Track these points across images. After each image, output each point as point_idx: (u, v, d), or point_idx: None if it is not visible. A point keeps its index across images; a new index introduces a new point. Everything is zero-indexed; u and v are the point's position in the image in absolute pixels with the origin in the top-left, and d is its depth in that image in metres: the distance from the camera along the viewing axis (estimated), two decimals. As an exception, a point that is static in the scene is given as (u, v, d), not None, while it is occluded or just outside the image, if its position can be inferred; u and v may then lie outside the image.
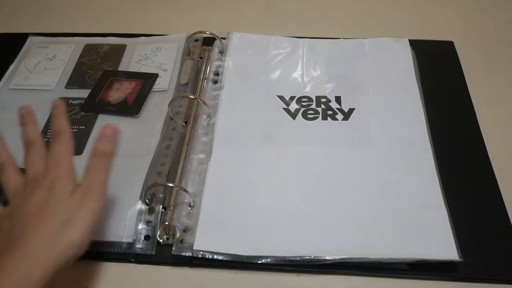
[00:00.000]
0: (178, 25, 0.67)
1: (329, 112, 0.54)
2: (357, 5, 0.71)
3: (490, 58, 0.62)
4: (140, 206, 0.46)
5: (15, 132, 0.54)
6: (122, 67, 0.61)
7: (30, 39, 0.65)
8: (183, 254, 0.43)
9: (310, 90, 0.57)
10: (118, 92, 0.57)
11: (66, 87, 0.59)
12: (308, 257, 0.42)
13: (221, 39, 0.62)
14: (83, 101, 0.57)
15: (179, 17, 0.70)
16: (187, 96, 0.55)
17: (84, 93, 0.57)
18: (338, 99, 0.55)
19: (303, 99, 0.56)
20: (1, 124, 0.55)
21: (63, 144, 0.40)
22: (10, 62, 0.62)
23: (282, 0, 0.73)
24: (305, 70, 0.59)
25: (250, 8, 0.71)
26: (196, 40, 0.63)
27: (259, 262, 0.42)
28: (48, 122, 0.55)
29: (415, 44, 0.61)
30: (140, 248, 0.44)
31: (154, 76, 0.58)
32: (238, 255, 0.42)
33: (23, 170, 0.41)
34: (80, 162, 0.50)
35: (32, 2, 0.74)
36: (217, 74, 0.59)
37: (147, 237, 0.45)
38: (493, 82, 0.59)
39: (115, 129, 0.40)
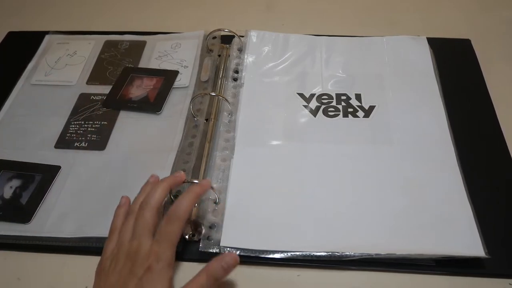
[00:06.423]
0: (177, 25, 0.67)
1: (350, 110, 0.54)
2: (360, 5, 0.71)
3: (507, 55, 0.62)
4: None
5: (35, 127, 0.54)
6: (143, 64, 0.61)
7: (49, 36, 0.65)
8: (210, 250, 0.43)
9: (330, 88, 0.57)
10: (139, 89, 0.57)
11: (87, 83, 0.59)
12: (337, 253, 0.42)
13: (240, 37, 0.62)
14: (104, 97, 0.57)
15: (178, 17, 0.70)
16: (208, 94, 0.55)
17: (105, 89, 0.58)
18: (358, 97, 0.56)
19: (323, 97, 0.56)
20: (23, 119, 0.55)
21: (172, 236, 0.39)
22: (29, 60, 0.62)
23: (282, 0, 0.73)
24: (324, 67, 0.59)
25: (250, 8, 0.71)
26: (214, 38, 0.63)
27: (287, 257, 0.42)
28: (70, 117, 0.55)
29: (432, 42, 0.61)
30: (167, 244, 0.44)
31: (175, 73, 0.58)
32: (265, 251, 0.43)
33: None
34: (102, 157, 0.51)
35: (49, 2, 0.74)
36: (236, 71, 0.59)
37: (173, 234, 0.45)
38: (510, 79, 0.59)
39: (237, 259, 0.39)
